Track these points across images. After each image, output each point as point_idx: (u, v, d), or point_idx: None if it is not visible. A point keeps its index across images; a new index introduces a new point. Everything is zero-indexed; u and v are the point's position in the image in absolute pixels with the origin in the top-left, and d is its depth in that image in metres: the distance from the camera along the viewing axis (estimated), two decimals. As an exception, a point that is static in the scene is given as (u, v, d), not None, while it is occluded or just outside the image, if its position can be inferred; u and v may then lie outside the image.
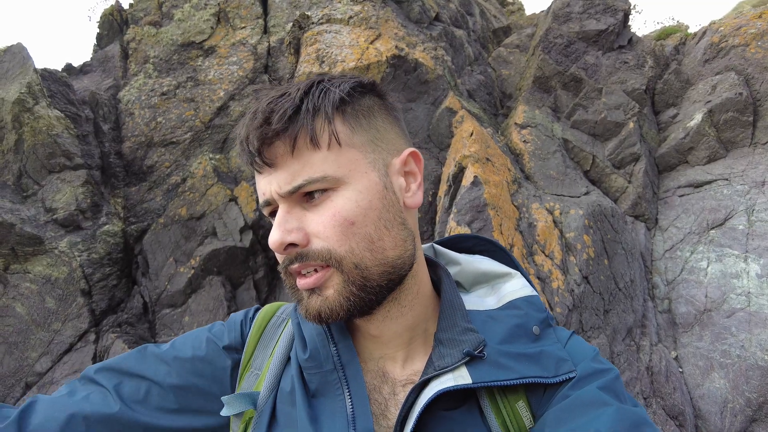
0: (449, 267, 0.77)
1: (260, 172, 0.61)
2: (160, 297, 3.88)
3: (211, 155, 4.26)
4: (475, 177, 2.91)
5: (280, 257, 0.62)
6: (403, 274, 0.64)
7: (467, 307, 0.69)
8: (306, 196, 0.60)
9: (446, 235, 2.49)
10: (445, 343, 0.64)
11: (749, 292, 3.10)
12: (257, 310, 0.79)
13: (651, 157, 4.18)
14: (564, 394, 0.61)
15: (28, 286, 3.73)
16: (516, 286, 0.72)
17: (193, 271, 3.82)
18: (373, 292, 0.61)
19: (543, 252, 2.90)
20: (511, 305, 0.69)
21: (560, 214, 3.20)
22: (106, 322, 3.80)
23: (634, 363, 2.87)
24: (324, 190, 0.59)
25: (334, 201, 0.59)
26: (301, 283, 0.61)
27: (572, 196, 3.49)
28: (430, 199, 3.37)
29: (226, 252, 3.81)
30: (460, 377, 0.60)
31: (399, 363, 0.68)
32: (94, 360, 3.57)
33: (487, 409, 0.61)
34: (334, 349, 0.65)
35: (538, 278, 2.73)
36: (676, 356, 3.15)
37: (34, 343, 3.65)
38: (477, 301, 0.72)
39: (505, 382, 0.60)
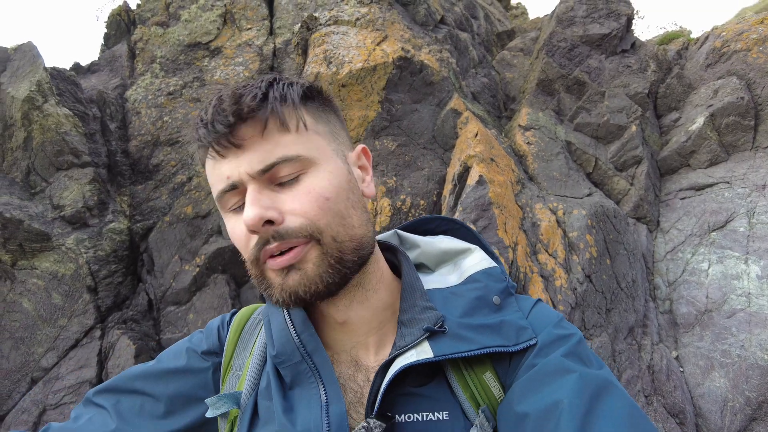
0: (411, 251, 0.80)
1: (224, 156, 0.60)
2: (165, 294, 3.91)
3: (217, 154, 4.29)
4: (480, 176, 2.94)
5: (250, 243, 0.61)
6: (368, 252, 0.67)
7: (431, 287, 0.71)
8: (274, 179, 0.61)
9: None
10: (407, 324, 0.66)
11: (749, 293, 3.13)
12: (233, 314, 0.81)
13: (653, 160, 4.21)
14: (530, 364, 0.62)
15: (35, 281, 3.76)
16: (475, 260, 0.74)
17: (198, 269, 3.85)
18: (347, 266, 0.62)
19: (546, 251, 2.93)
20: (471, 279, 0.71)
21: (563, 214, 3.23)
22: (111, 318, 3.83)
23: (635, 362, 2.89)
24: (293, 175, 0.61)
25: (307, 179, 0.61)
26: (277, 262, 0.60)
27: (575, 197, 3.52)
28: (434, 199, 3.41)
29: (231, 250, 3.84)
30: (423, 352, 0.62)
31: (371, 350, 0.70)
32: (99, 356, 3.60)
33: (454, 383, 0.63)
34: (298, 340, 0.66)
35: (542, 276, 2.76)
36: (677, 356, 3.17)
37: (41, 338, 3.68)
38: (440, 279, 0.74)
39: (466, 354, 0.61)
